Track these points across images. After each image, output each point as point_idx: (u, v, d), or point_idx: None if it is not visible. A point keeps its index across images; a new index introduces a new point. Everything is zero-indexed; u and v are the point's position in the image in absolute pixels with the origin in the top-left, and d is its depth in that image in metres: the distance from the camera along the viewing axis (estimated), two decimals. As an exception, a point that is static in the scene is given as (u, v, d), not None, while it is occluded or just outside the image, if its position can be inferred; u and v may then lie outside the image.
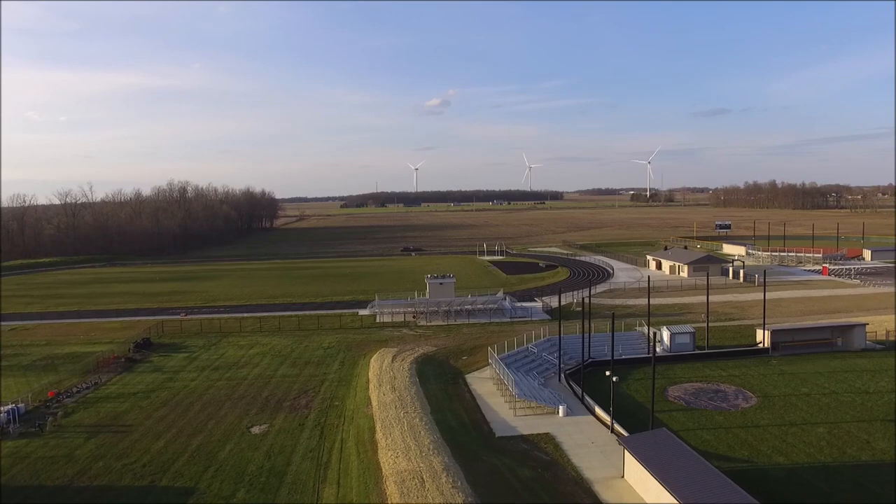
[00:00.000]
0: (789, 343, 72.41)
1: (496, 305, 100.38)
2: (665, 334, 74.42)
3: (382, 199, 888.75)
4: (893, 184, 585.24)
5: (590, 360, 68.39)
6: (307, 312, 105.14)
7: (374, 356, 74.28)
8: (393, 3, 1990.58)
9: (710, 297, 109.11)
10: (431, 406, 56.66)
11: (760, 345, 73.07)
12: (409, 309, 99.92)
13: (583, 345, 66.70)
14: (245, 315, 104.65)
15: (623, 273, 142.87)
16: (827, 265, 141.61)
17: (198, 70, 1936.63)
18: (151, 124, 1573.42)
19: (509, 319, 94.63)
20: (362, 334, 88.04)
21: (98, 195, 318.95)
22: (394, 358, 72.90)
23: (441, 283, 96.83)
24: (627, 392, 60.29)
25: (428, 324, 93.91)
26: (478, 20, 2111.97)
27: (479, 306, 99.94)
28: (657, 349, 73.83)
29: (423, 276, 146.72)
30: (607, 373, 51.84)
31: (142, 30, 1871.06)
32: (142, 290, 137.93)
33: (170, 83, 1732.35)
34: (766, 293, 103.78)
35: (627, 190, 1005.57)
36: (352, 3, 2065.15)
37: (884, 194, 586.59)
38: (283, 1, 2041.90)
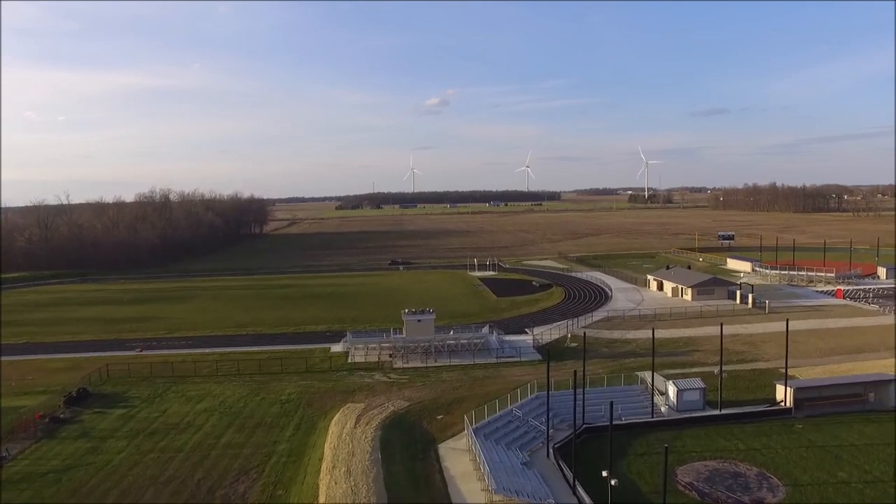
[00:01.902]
0: (815, 401, 62.66)
1: (481, 341, 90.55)
2: (671, 390, 64.63)
3: (378, 200, 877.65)
4: (894, 184, 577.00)
5: (584, 426, 58.55)
6: (274, 348, 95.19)
7: (337, 416, 64.40)
8: (393, 3, 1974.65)
9: (716, 326, 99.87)
10: (391, 499, 46.81)
11: (782, 403, 63.25)
12: (387, 344, 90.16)
13: (574, 410, 56.78)
14: (206, 351, 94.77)
15: (622, 295, 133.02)
16: (841, 287, 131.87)
17: (198, 70, 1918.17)
18: (151, 124, 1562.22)
19: (495, 360, 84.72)
20: (329, 381, 78.04)
21: (79, 200, 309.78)
22: (358, 420, 63.04)
23: (419, 321, 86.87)
24: (628, 474, 50.45)
25: (405, 365, 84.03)
26: (478, 20, 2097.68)
27: (462, 341, 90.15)
28: (662, 408, 64.03)
29: (407, 297, 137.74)
30: (604, 474, 41.98)
31: (142, 30, 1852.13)
32: (104, 315, 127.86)
33: (170, 83, 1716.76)
34: (777, 322, 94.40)
35: (625, 190, 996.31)
36: (352, 3, 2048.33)
37: (883, 195, 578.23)
38: (283, 1, 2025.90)
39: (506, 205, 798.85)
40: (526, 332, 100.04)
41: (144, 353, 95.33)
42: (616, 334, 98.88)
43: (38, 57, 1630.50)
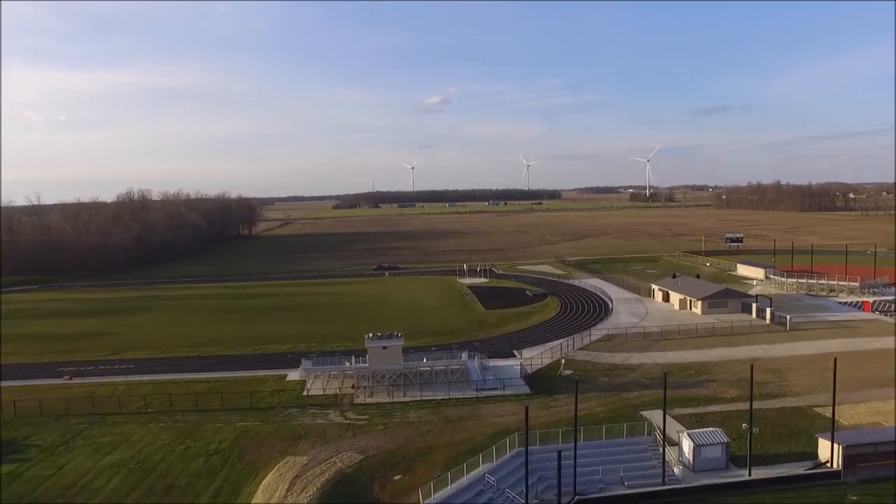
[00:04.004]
0: (870, 460, 49.69)
1: (459, 369, 77.64)
2: (686, 445, 51.77)
3: (377, 200, 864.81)
4: (894, 181, 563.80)
5: (576, 498, 45.63)
6: (222, 375, 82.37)
7: (268, 478, 51.67)
8: (393, 3, 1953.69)
9: (732, 347, 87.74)
10: None
11: (827, 464, 50.30)
12: (350, 372, 77.41)
13: (559, 476, 43.84)
14: (144, 378, 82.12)
15: (624, 307, 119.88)
16: (868, 298, 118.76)
17: (198, 69, 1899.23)
18: (151, 124, 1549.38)
19: (475, 393, 71.71)
20: (273, 422, 65.08)
21: (51, 200, 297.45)
22: (293, 482, 50.36)
23: (384, 348, 73.74)
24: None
25: (367, 400, 71.10)
26: (478, 20, 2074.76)
27: (437, 368, 77.30)
28: (675, 468, 51.15)
29: (386, 310, 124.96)
30: None
31: (141, 29, 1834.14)
32: (51, 331, 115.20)
33: (170, 83, 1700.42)
34: (802, 342, 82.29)
35: (626, 188, 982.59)
36: (352, 3, 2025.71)
37: (887, 193, 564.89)
38: (283, 1, 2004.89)
39: (505, 204, 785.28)
40: (514, 356, 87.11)
41: (73, 381, 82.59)
42: (617, 358, 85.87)
43: (37, 56, 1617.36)
